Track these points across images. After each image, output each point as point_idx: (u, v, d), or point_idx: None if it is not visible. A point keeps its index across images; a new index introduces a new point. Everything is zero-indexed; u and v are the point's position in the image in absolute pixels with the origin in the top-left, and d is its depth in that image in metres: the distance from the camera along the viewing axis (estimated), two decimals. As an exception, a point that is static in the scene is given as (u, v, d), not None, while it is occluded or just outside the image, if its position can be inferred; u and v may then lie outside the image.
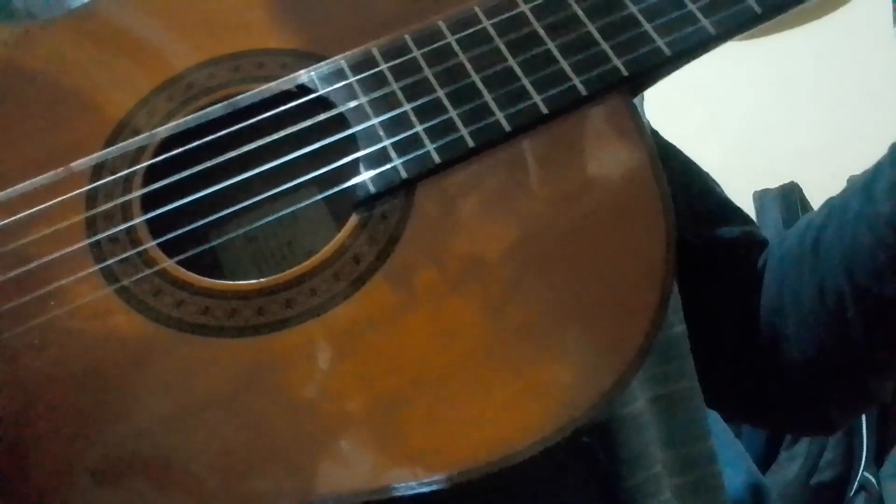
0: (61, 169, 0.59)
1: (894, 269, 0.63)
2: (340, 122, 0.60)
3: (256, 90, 0.61)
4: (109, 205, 0.59)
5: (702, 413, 0.70)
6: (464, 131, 0.59)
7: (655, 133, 0.77)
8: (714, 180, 0.81)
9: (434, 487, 0.51)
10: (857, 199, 0.66)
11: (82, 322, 0.55)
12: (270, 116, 0.61)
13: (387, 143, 0.59)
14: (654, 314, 0.54)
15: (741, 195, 1.92)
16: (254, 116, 0.61)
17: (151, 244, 0.57)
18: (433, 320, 0.55)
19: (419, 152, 0.59)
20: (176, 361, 0.55)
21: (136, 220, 0.58)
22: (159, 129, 0.61)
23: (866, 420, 1.66)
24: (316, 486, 0.52)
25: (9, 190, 0.58)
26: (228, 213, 0.59)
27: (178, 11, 0.65)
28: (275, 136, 0.60)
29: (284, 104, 0.61)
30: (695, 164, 0.81)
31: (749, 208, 1.94)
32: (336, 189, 0.59)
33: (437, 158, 0.58)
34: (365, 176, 0.58)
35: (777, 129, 1.97)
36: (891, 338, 0.67)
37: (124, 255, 0.57)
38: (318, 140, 0.60)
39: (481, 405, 0.53)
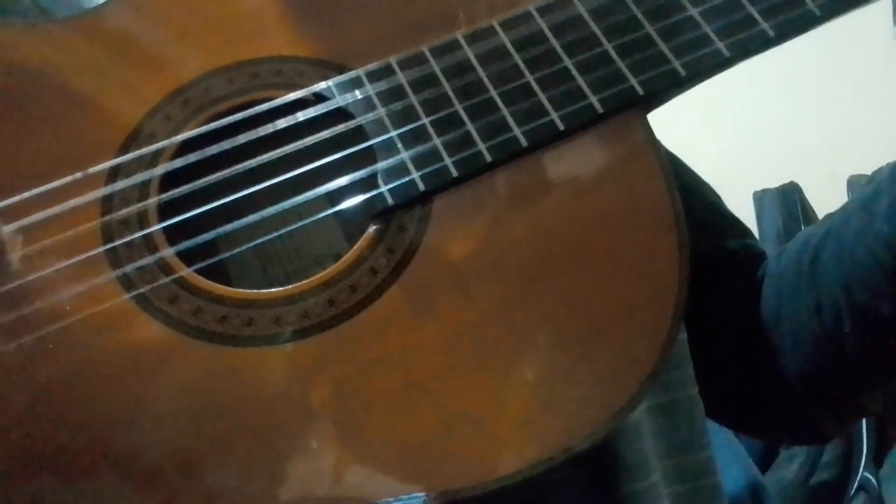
0: (79, 174, 0.59)
1: (892, 289, 0.64)
2: (358, 132, 0.61)
3: (275, 101, 0.61)
4: (125, 211, 0.58)
5: (701, 422, 0.70)
6: (481, 146, 0.59)
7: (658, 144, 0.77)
8: (715, 192, 0.82)
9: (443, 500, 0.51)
10: (857, 218, 0.67)
11: (98, 328, 0.55)
12: (292, 128, 0.60)
13: (405, 155, 0.59)
14: (666, 334, 0.55)
15: (741, 195, 1.92)
16: (271, 124, 0.61)
17: (170, 251, 0.57)
18: (448, 334, 0.55)
19: (437, 166, 0.59)
20: (192, 369, 0.55)
21: (154, 228, 0.58)
22: (176, 136, 0.60)
23: (866, 420, 1.66)
24: (321, 497, 0.52)
25: (24, 194, 0.58)
26: (246, 224, 0.58)
27: (195, 15, 0.65)
28: (294, 147, 0.60)
29: (302, 112, 0.61)
30: (696, 175, 0.81)
31: (749, 208, 1.94)
32: (354, 201, 0.59)
33: (454, 172, 0.59)
34: (383, 188, 0.59)
35: (777, 129, 1.98)
36: (885, 355, 0.68)
37: (142, 263, 0.57)
38: (335, 150, 0.60)
39: (493, 421, 0.53)
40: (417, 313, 0.56)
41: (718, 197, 0.81)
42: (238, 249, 0.59)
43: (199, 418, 0.53)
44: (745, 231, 0.81)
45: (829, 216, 0.72)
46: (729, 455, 1.29)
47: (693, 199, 0.78)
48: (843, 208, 0.70)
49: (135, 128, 0.61)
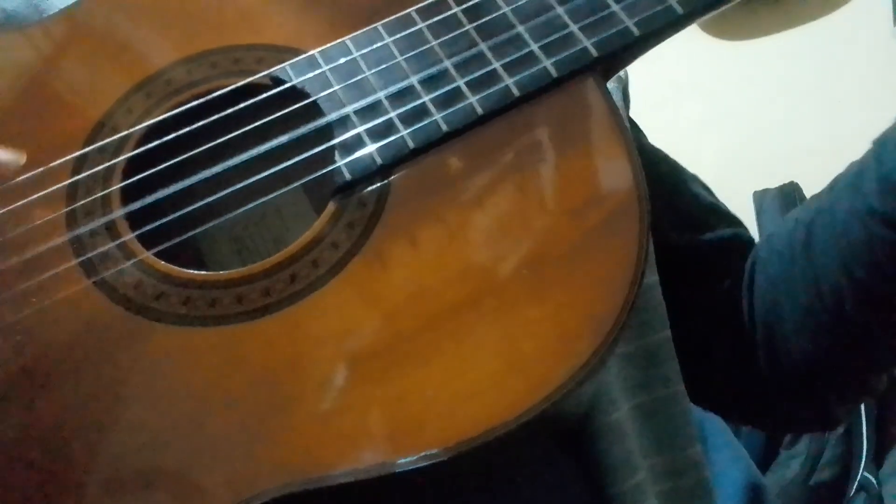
0: (41, 169, 0.60)
1: (891, 262, 0.64)
2: (318, 112, 0.61)
3: (233, 85, 0.62)
4: (89, 200, 0.59)
5: (688, 419, 0.70)
6: (437, 116, 0.59)
7: (641, 138, 0.78)
8: (702, 183, 0.81)
9: (419, 465, 0.51)
10: (846, 197, 0.67)
11: (63, 316, 0.56)
12: (250, 111, 0.61)
13: (361, 129, 0.60)
14: (628, 290, 0.55)
15: (741, 195, 1.91)
16: (230, 108, 0.61)
17: (130, 236, 0.58)
18: (411, 303, 0.56)
19: (393, 138, 0.59)
20: (157, 352, 0.55)
21: (115, 214, 0.59)
22: (138, 126, 0.61)
23: (866, 420, 1.65)
24: (300, 471, 0.52)
25: None
26: (207, 205, 0.59)
27: (156, 11, 0.66)
28: (250, 127, 0.61)
29: (262, 96, 0.62)
30: (681, 168, 0.81)
31: (749, 208, 1.94)
32: (311, 177, 0.59)
33: (411, 144, 0.59)
34: (340, 163, 0.59)
35: (777, 129, 1.97)
36: (889, 331, 0.68)
37: (104, 249, 0.58)
38: (294, 130, 0.60)
39: (461, 381, 0.54)
40: (379, 286, 0.56)
41: (705, 187, 0.81)
42: (200, 228, 0.59)
43: (166, 400, 0.54)
44: (734, 220, 0.80)
45: (814, 198, 0.72)
46: (729, 455, 1.29)
47: (680, 191, 0.79)
48: (829, 189, 0.70)
49: (98, 121, 0.62)
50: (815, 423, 0.86)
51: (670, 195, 0.76)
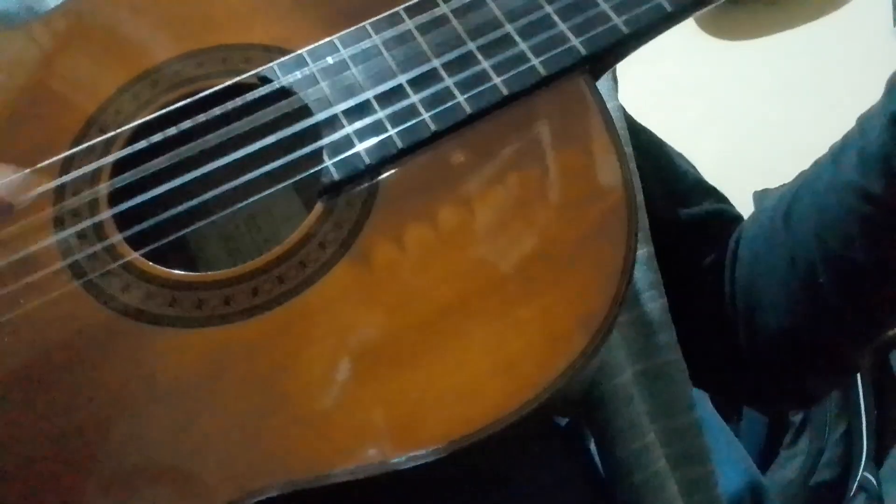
0: (28, 169, 0.60)
1: (864, 235, 0.65)
2: (304, 111, 0.61)
3: (220, 85, 0.62)
4: (76, 201, 0.59)
5: (685, 385, 0.71)
6: (425, 115, 0.59)
7: (628, 116, 0.78)
8: (688, 161, 0.82)
9: (415, 464, 0.51)
10: (827, 170, 0.68)
11: (52, 317, 0.56)
12: (238, 112, 0.61)
13: (349, 129, 0.60)
14: (618, 288, 0.55)
15: (741, 195, 1.90)
16: (218, 108, 0.61)
17: (118, 238, 0.58)
18: (399, 302, 0.56)
19: (381, 137, 0.59)
20: (143, 353, 0.55)
21: (103, 215, 0.59)
22: (126, 125, 0.61)
23: (866, 420, 1.65)
24: (298, 470, 0.52)
25: None
26: (196, 206, 0.59)
27: (144, 11, 0.67)
28: (239, 130, 0.61)
29: (248, 95, 0.62)
30: (667, 145, 0.82)
31: (749, 208, 1.93)
32: (299, 177, 0.59)
33: (399, 143, 0.59)
34: (328, 163, 0.59)
35: (777, 129, 1.97)
36: (862, 304, 0.69)
37: (91, 250, 0.58)
38: (282, 130, 0.60)
39: (449, 381, 0.54)
40: (366, 286, 0.56)
41: (691, 165, 0.82)
42: (188, 229, 0.59)
43: (158, 399, 0.54)
44: (720, 197, 0.81)
45: (801, 173, 0.73)
46: (729, 455, 1.29)
47: (667, 167, 0.80)
48: (814, 164, 0.71)
49: (87, 121, 0.62)
50: (791, 400, 0.87)
51: (657, 171, 0.77)
